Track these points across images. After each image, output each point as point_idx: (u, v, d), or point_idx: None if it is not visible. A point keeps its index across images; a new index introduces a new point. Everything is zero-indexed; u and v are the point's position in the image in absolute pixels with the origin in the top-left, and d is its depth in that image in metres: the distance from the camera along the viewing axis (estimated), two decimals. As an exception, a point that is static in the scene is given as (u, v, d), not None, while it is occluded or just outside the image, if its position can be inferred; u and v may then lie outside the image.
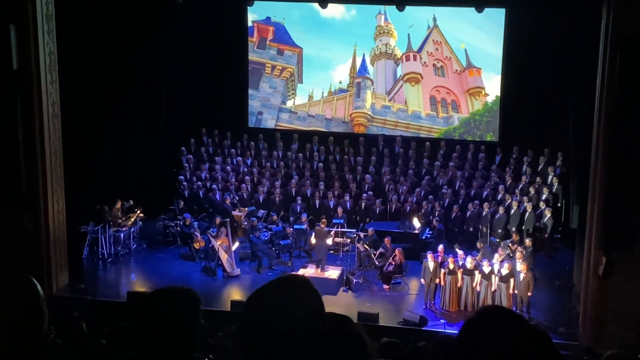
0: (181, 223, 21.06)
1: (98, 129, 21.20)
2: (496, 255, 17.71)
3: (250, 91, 25.70)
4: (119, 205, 21.01)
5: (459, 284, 17.46)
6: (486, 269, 17.27)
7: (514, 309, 16.84)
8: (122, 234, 20.78)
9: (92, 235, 20.51)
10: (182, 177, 23.25)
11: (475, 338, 2.68)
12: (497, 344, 2.61)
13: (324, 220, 20.43)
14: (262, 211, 21.98)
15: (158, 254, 21.11)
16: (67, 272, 18.22)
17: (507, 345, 2.59)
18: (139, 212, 21.28)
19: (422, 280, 17.72)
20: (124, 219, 20.96)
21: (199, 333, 3.17)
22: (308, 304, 2.65)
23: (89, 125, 20.38)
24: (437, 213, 21.43)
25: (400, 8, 23.64)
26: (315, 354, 2.63)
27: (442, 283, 17.51)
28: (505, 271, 17.00)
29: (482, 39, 23.94)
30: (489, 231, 20.99)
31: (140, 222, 21.56)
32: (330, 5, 24.01)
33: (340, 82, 25.45)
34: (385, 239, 19.43)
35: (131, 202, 21.41)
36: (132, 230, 21.18)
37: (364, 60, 25.11)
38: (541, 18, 21.32)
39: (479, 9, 22.99)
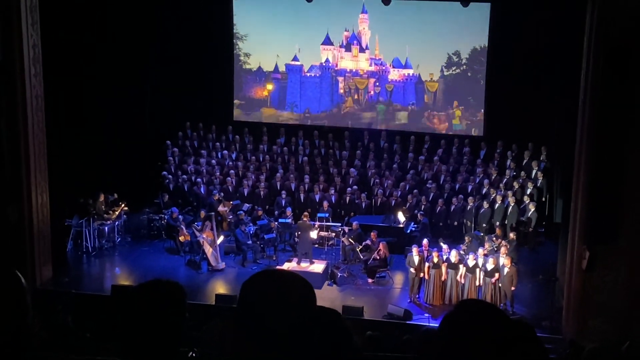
0: (168, 216, 21.01)
1: (82, 122, 21.11)
2: (481, 249, 17.77)
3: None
4: (102, 198, 20.93)
5: (443, 278, 17.52)
6: (471, 262, 17.34)
7: (498, 303, 16.95)
8: (106, 228, 20.71)
9: (76, 229, 20.45)
10: (165, 172, 23.16)
11: (454, 331, 2.71)
12: (476, 337, 2.63)
13: (306, 213, 20.42)
14: (247, 205, 21.96)
15: (142, 247, 21.06)
16: (51, 266, 18.17)
17: (486, 338, 2.62)
18: (123, 205, 21.20)
19: (411, 269, 17.62)
20: (108, 212, 20.90)
21: (184, 326, 3.17)
22: (301, 293, 2.67)
23: (73, 118, 20.30)
24: (422, 207, 21.47)
25: (386, 2, 23.70)
26: (306, 344, 2.64)
27: (427, 277, 17.56)
28: (490, 266, 17.08)
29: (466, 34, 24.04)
30: (473, 225, 21.07)
31: (124, 216, 21.50)
32: None
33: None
34: (372, 233, 19.45)
35: (115, 195, 21.34)
36: (117, 223, 21.12)
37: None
38: (526, 13, 21.40)
39: (465, 4, 23.08)
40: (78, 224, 20.38)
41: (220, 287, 18.20)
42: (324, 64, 25.37)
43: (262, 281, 2.72)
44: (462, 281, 17.44)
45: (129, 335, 3.10)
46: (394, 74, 25.08)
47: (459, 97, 24.77)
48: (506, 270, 16.93)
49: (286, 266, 18.56)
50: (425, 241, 18.47)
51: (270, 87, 25.99)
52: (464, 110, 24.75)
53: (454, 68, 24.57)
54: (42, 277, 17.63)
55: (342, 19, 25.00)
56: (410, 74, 24.91)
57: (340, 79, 25.47)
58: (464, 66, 24.46)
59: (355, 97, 25.55)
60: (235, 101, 26.00)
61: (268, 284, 2.70)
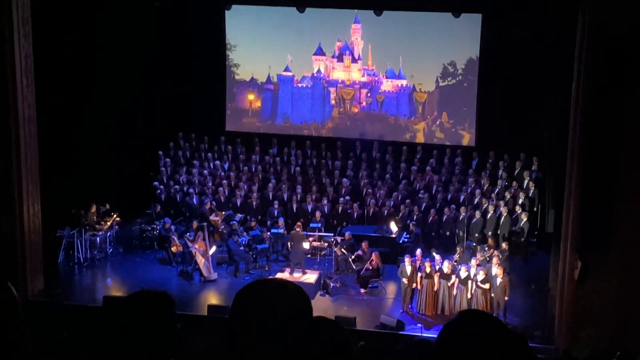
0: (160, 227, 20.96)
1: (74, 133, 21.07)
2: (473, 260, 17.78)
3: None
4: (94, 209, 20.88)
5: (435, 288, 17.51)
6: (463, 273, 17.35)
7: (491, 312, 16.95)
8: (98, 238, 20.64)
9: (68, 240, 20.36)
10: (156, 182, 23.11)
11: (454, 341, 2.71)
12: (476, 347, 2.63)
13: (299, 224, 20.41)
14: (240, 215, 21.93)
15: (135, 258, 20.98)
16: (43, 277, 18.07)
17: (486, 349, 2.62)
18: (115, 216, 21.16)
19: (403, 279, 17.62)
20: (100, 223, 20.84)
21: (175, 337, 3.16)
22: (296, 304, 2.67)
23: (65, 128, 20.27)
24: (414, 217, 21.48)
25: (378, 13, 23.81)
26: (306, 354, 2.64)
27: (419, 287, 17.56)
28: (481, 277, 17.08)
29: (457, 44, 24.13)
30: (465, 235, 21.09)
31: (116, 226, 21.43)
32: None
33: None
34: (363, 243, 19.45)
35: (107, 206, 21.27)
36: (109, 234, 21.05)
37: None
38: (517, 23, 21.48)
39: (456, 15, 23.19)
40: (70, 235, 20.29)
41: (212, 298, 18.16)
42: (315, 75, 25.41)
43: (255, 292, 2.72)
44: (455, 292, 17.44)
45: (119, 346, 3.10)
46: (387, 85, 25.12)
47: (451, 108, 24.82)
48: (499, 280, 16.93)
49: (279, 276, 18.52)
50: (418, 251, 18.44)
51: (251, 97, 26.04)
52: (457, 121, 24.81)
53: (449, 79, 24.62)
54: (34, 289, 17.53)
55: (334, 30, 25.06)
56: (404, 85, 24.96)
57: (332, 89, 25.50)
58: (460, 77, 24.52)
59: (341, 108, 25.59)
60: (228, 112, 26.01)
61: (261, 295, 2.70)
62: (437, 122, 25.00)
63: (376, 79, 25.18)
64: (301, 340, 2.65)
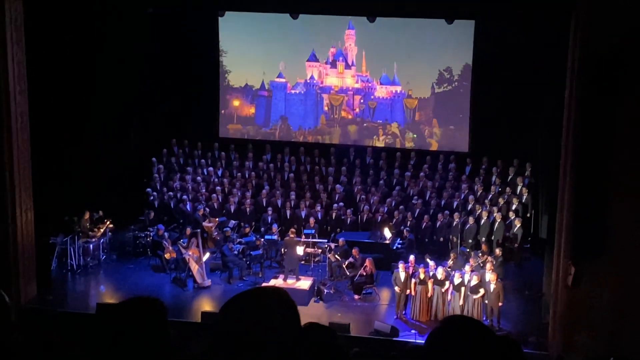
0: (153, 234, 20.92)
1: (67, 140, 21.01)
2: (467, 266, 17.80)
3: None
4: (87, 216, 20.84)
5: (429, 294, 17.52)
6: (457, 280, 17.35)
7: (484, 319, 16.96)
8: (91, 245, 20.58)
9: (61, 247, 20.31)
10: (149, 189, 23.08)
11: (441, 347, 2.71)
12: (462, 353, 2.63)
13: (292, 230, 20.40)
14: (233, 222, 21.91)
15: (128, 265, 20.94)
16: (36, 284, 18.02)
17: (473, 354, 2.62)
18: (108, 222, 21.13)
19: (396, 287, 17.69)
20: (93, 229, 20.80)
21: (168, 344, 3.15)
22: (282, 314, 2.65)
23: (58, 135, 20.21)
24: (408, 223, 21.49)
25: (371, 20, 23.85)
26: None
27: (413, 293, 17.56)
28: (474, 282, 17.09)
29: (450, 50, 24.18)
30: (459, 241, 21.09)
31: (109, 233, 21.42)
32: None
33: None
34: (353, 249, 19.43)
35: (100, 212, 21.24)
36: (102, 241, 21.02)
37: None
38: (510, 29, 21.53)
39: (449, 21, 23.24)
40: (63, 242, 20.25)
41: (206, 305, 18.13)
42: (308, 81, 25.42)
43: (240, 306, 2.70)
44: (448, 297, 17.44)
45: (113, 354, 3.09)
46: (381, 91, 25.14)
47: (447, 114, 24.83)
48: (492, 286, 16.95)
49: (272, 283, 18.50)
50: (411, 257, 18.46)
51: (237, 103, 26.07)
52: (451, 127, 24.84)
53: (445, 85, 24.64)
54: (27, 296, 17.48)
55: (328, 36, 25.08)
56: (398, 91, 24.98)
57: (325, 95, 25.51)
58: (455, 83, 24.54)
59: (336, 115, 25.60)
60: (221, 118, 26.02)
61: (246, 309, 2.68)
62: (431, 128, 25.02)
63: (370, 85, 25.19)
64: (293, 347, 2.65)
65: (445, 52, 24.23)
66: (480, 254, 19.10)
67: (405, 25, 24.17)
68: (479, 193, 22.50)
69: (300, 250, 19.48)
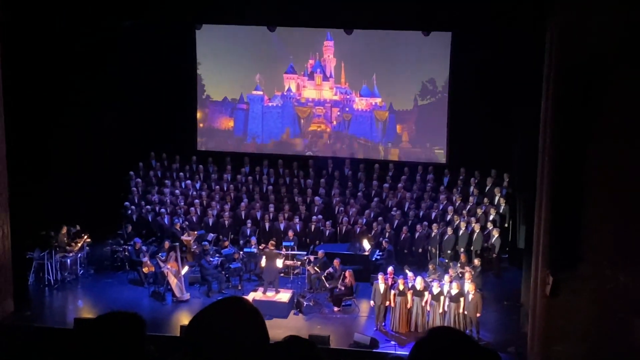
0: (131, 247, 20.80)
1: (43, 153, 20.88)
2: (446, 277, 17.84)
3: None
4: (65, 230, 20.68)
5: (408, 305, 17.53)
6: (436, 290, 17.39)
7: (464, 329, 16.98)
8: (68, 260, 20.44)
9: (38, 262, 20.13)
10: (127, 202, 22.97)
11: (426, 358, 2.71)
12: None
13: (272, 242, 20.37)
14: (212, 235, 21.84)
15: (106, 279, 20.82)
16: (13, 300, 17.87)
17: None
18: (85, 237, 20.99)
19: (372, 302, 17.78)
20: (71, 244, 20.65)
21: (146, 358, 3.13)
22: (247, 325, 2.66)
23: (34, 149, 20.08)
24: (386, 234, 21.52)
25: (348, 32, 23.92)
26: None
27: (392, 305, 17.57)
28: (454, 291, 17.13)
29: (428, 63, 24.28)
30: (438, 252, 21.15)
31: (87, 248, 21.27)
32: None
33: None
34: (335, 261, 19.43)
35: (78, 227, 21.10)
36: (79, 255, 20.87)
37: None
38: (486, 41, 21.68)
39: (425, 33, 23.37)
40: (40, 257, 20.07)
41: (185, 318, 18.01)
42: (285, 94, 25.43)
43: (203, 318, 2.71)
44: (428, 308, 17.47)
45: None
46: (361, 103, 25.18)
47: (429, 126, 24.91)
48: (471, 296, 17.00)
49: (252, 296, 18.44)
50: (390, 268, 18.49)
51: (214, 116, 26.07)
52: (430, 139, 24.94)
53: (428, 97, 24.70)
54: (4, 311, 17.34)
55: (306, 48, 25.12)
56: (378, 103, 25.02)
57: (303, 108, 25.52)
58: (439, 95, 24.60)
59: (308, 127, 25.63)
60: (199, 131, 25.99)
61: (210, 319, 2.69)
62: (408, 140, 25.10)
63: (348, 97, 25.23)
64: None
65: (425, 64, 24.34)
66: (459, 265, 19.16)
67: (384, 37, 24.27)
68: (457, 204, 22.57)
69: (279, 262, 19.46)
